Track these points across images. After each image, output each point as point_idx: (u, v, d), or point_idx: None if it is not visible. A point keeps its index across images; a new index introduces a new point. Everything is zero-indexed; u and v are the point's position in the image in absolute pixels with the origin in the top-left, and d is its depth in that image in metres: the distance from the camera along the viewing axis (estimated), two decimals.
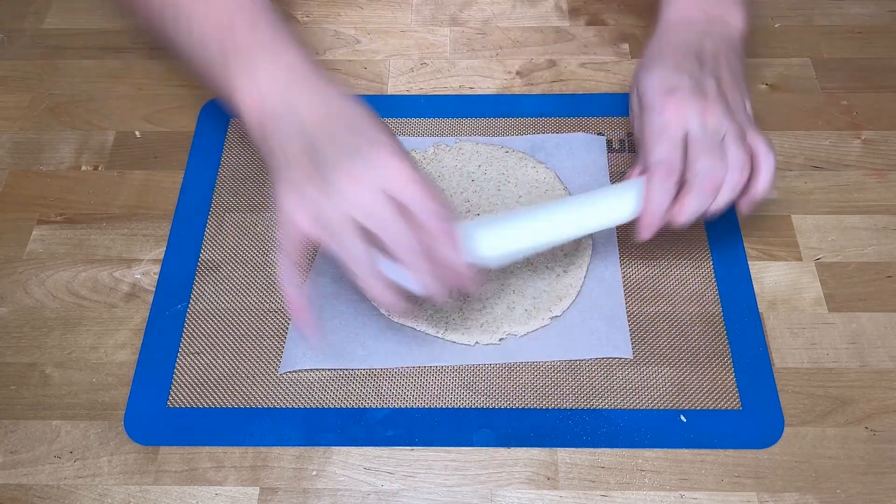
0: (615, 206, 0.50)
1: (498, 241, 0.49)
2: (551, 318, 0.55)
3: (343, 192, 0.43)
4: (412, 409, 0.53)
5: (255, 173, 0.64)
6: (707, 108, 0.48)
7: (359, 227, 0.43)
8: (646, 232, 0.49)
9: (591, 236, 0.59)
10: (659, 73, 0.50)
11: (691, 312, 0.56)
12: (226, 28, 0.49)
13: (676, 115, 0.48)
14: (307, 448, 0.51)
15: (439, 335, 0.55)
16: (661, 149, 0.47)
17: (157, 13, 0.53)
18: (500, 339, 0.55)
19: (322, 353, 0.54)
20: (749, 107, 0.51)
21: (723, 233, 0.59)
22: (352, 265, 0.43)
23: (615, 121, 0.66)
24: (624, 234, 0.59)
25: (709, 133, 0.47)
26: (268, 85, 0.47)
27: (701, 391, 0.53)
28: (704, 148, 0.47)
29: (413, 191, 0.43)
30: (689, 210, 0.47)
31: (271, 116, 0.46)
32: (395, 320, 0.55)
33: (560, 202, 0.52)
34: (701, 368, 0.54)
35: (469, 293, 0.45)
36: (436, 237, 0.43)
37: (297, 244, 0.44)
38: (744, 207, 0.50)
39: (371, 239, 0.43)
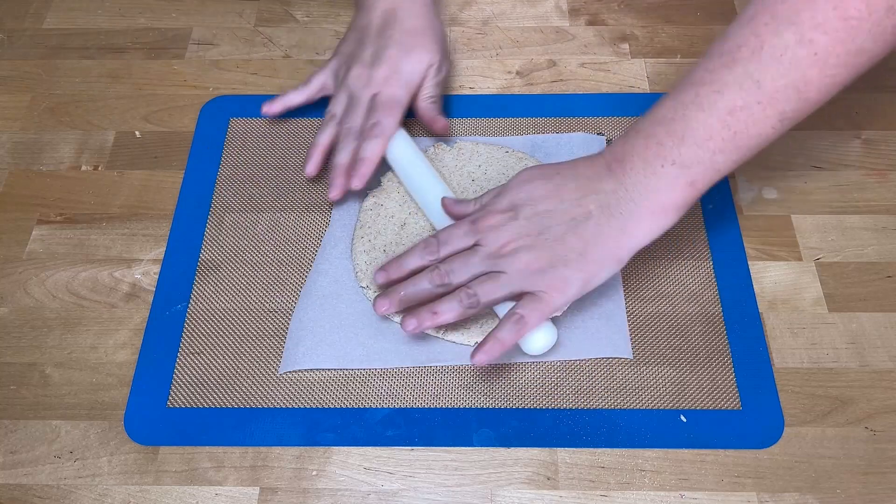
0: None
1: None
2: (551, 319, 0.55)
3: (351, 82, 0.62)
4: (412, 409, 0.53)
5: (255, 173, 0.64)
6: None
7: (345, 98, 0.62)
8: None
9: None
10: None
11: (691, 312, 0.56)
12: None
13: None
14: (307, 448, 0.51)
15: (439, 335, 0.55)
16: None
17: None
18: None
19: (322, 353, 0.54)
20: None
21: (723, 233, 0.59)
22: (326, 116, 0.62)
23: (615, 121, 0.66)
24: None
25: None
26: None
27: (701, 391, 0.53)
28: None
29: (386, 103, 0.60)
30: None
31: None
32: (396, 321, 0.55)
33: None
34: (701, 368, 0.54)
35: (353, 186, 0.59)
36: (369, 132, 0.59)
37: (317, 88, 0.65)
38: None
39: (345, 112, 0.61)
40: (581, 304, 0.56)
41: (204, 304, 0.57)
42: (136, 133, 0.67)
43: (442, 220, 0.57)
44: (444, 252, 0.52)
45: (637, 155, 0.49)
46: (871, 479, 0.50)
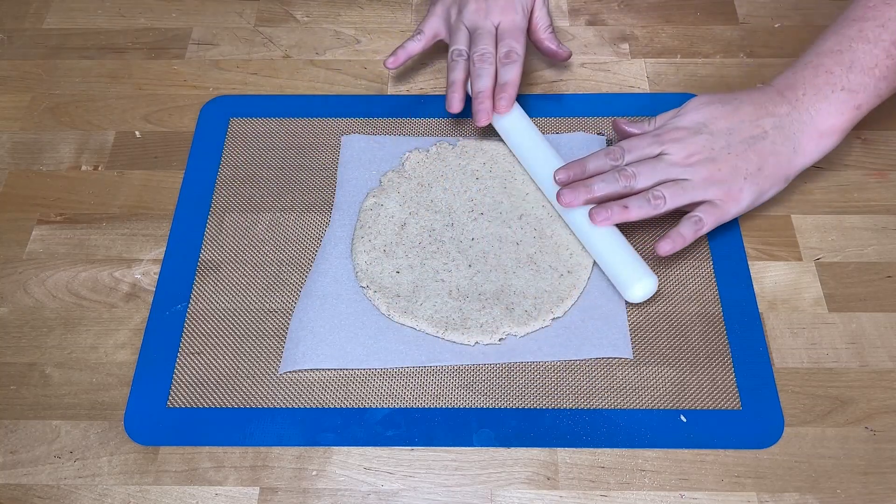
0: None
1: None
2: (552, 320, 0.55)
3: (469, 17, 0.64)
4: (412, 409, 0.53)
5: (255, 173, 0.64)
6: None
7: (466, 34, 0.64)
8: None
9: None
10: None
11: (691, 312, 0.56)
12: None
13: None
14: (307, 448, 0.51)
15: (439, 335, 0.55)
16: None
17: None
18: (500, 340, 0.54)
19: (322, 353, 0.54)
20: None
21: (723, 233, 0.59)
22: (451, 54, 0.64)
23: None
24: (623, 235, 0.59)
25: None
26: None
27: (701, 391, 0.53)
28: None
29: (510, 30, 0.63)
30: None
31: None
32: (396, 320, 0.55)
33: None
34: (701, 368, 0.54)
35: (499, 109, 0.61)
36: (505, 59, 0.62)
37: (431, 34, 0.67)
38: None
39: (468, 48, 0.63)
40: (581, 303, 0.56)
41: (204, 304, 0.57)
42: (136, 133, 0.67)
43: (551, 190, 0.58)
44: (628, 158, 0.57)
45: (808, 83, 0.57)
46: (871, 479, 0.50)
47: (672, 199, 0.55)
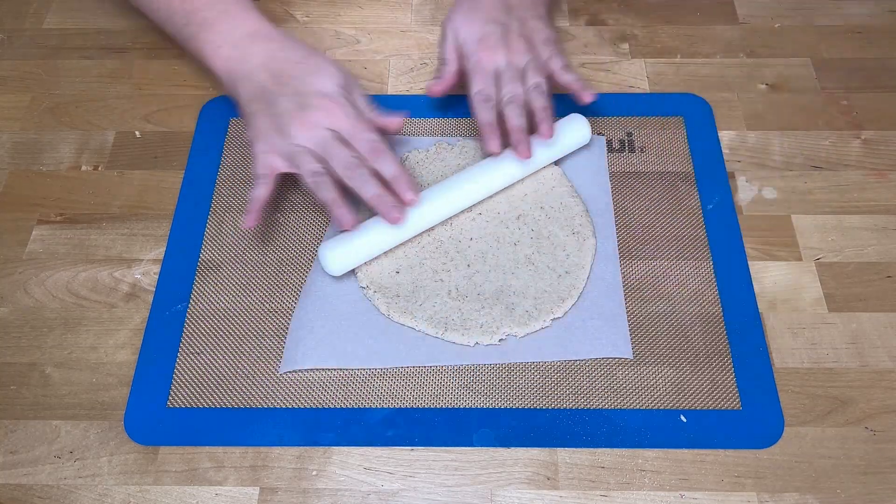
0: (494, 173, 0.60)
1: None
2: (552, 320, 0.55)
3: (298, 136, 0.56)
4: (412, 409, 0.53)
5: None
6: (511, 49, 0.61)
7: (312, 153, 0.56)
8: (492, 143, 0.59)
9: (593, 236, 0.59)
10: (475, 23, 0.62)
11: (691, 312, 0.56)
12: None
13: (489, 58, 0.61)
14: (307, 448, 0.51)
15: (438, 335, 0.55)
16: (478, 83, 0.60)
17: None
18: (500, 340, 0.54)
19: (322, 353, 0.54)
20: (551, 33, 0.63)
21: (723, 233, 0.59)
22: (309, 178, 0.56)
23: (615, 121, 0.66)
24: (623, 235, 0.59)
25: (512, 67, 0.61)
26: (229, 37, 0.60)
27: (701, 391, 0.53)
28: (508, 78, 0.60)
29: (352, 125, 0.56)
30: (513, 119, 0.59)
31: (233, 63, 0.60)
32: (395, 320, 0.55)
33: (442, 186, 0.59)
34: (701, 368, 0.54)
35: (408, 202, 0.56)
36: (373, 156, 0.56)
37: (271, 176, 0.57)
38: (585, 98, 0.62)
39: (323, 163, 0.56)
40: (581, 304, 0.56)
41: (204, 304, 0.57)
42: (136, 133, 0.67)
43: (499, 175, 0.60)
44: (503, 92, 0.60)
45: None
46: (871, 479, 0.50)
47: (540, 82, 0.60)
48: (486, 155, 0.60)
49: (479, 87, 0.60)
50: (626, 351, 0.54)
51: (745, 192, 0.62)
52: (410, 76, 0.70)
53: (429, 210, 0.58)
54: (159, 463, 0.51)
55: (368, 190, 0.55)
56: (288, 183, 0.63)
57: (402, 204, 0.56)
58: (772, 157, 0.64)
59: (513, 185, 0.62)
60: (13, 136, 0.67)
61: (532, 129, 0.60)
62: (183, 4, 0.62)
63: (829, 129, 0.66)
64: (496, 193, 0.61)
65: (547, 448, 0.51)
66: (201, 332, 0.56)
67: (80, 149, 0.66)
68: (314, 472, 0.51)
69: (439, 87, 0.63)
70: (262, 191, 0.56)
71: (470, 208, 0.60)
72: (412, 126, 0.66)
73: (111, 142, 0.66)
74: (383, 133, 0.59)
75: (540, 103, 0.59)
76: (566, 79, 0.62)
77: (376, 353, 0.54)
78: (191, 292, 0.58)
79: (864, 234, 0.60)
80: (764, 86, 0.69)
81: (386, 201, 0.55)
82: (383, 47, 0.72)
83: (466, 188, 0.59)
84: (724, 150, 0.65)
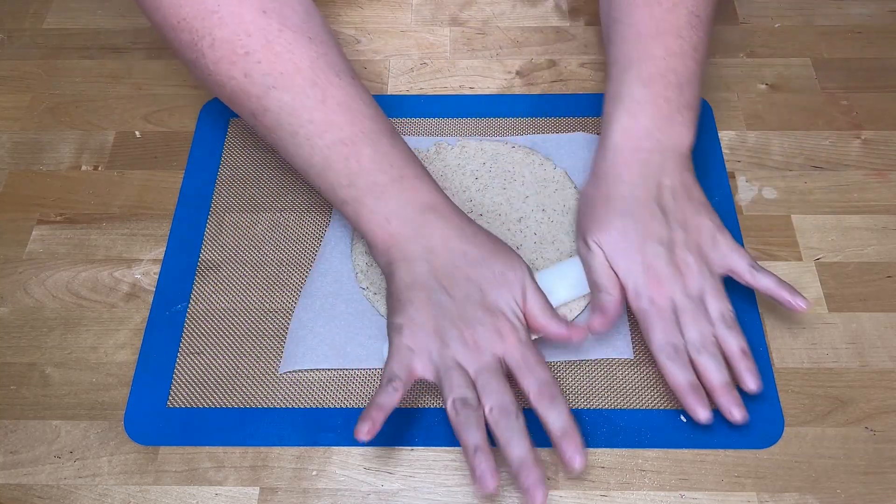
0: None
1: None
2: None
3: (459, 352, 0.47)
4: (412, 409, 0.52)
5: (255, 173, 0.64)
6: (684, 274, 0.50)
7: (466, 376, 0.47)
8: (702, 413, 0.48)
9: None
10: (633, 250, 0.51)
11: None
12: (350, 149, 0.51)
13: (662, 294, 0.50)
14: (307, 448, 0.51)
15: None
16: (658, 332, 0.49)
17: (263, 117, 0.52)
18: None
19: (322, 353, 0.54)
20: (716, 229, 0.52)
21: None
22: (454, 407, 0.46)
23: None
24: None
25: (691, 298, 0.50)
26: (402, 211, 0.50)
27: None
28: (691, 317, 0.50)
29: (522, 356, 0.48)
30: (713, 374, 0.49)
31: (400, 240, 0.50)
32: None
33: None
34: None
35: (576, 467, 0.46)
36: (541, 400, 0.47)
37: (407, 381, 0.47)
38: (799, 306, 0.51)
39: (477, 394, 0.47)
40: (584, 306, 0.56)
41: (204, 304, 0.57)
42: (136, 133, 0.67)
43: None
44: (688, 337, 0.50)
45: (656, 125, 0.53)
46: (871, 479, 0.50)
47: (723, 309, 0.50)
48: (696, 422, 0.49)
49: (662, 338, 0.49)
50: (626, 351, 0.54)
51: (745, 192, 0.62)
52: (410, 76, 0.70)
53: None
54: (159, 463, 0.51)
55: (516, 449, 0.45)
56: (287, 183, 0.63)
57: (567, 467, 0.46)
58: (772, 157, 0.64)
59: (513, 185, 0.62)
60: (13, 136, 0.67)
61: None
62: (347, 162, 0.51)
63: (829, 129, 0.66)
64: (497, 195, 0.61)
65: (547, 448, 0.51)
66: (201, 332, 0.56)
67: (80, 149, 0.66)
68: (314, 472, 0.51)
69: (602, 326, 0.51)
70: (391, 398, 0.46)
71: (471, 210, 0.60)
72: (412, 126, 0.66)
73: (111, 142, 0.67)
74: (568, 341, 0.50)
75: (735, 345, 0.49)
76: (763, 283, 0.51)
77: (376, 353, 0.54)
78: (191, 292, 0.58)
79: (864, 234, 0.60)
80: (764, 86, 0.69)
81: (531, 475, 0.44)
82: (383, 47, 0.72)
83: None
84: (724, 150, 0.65)
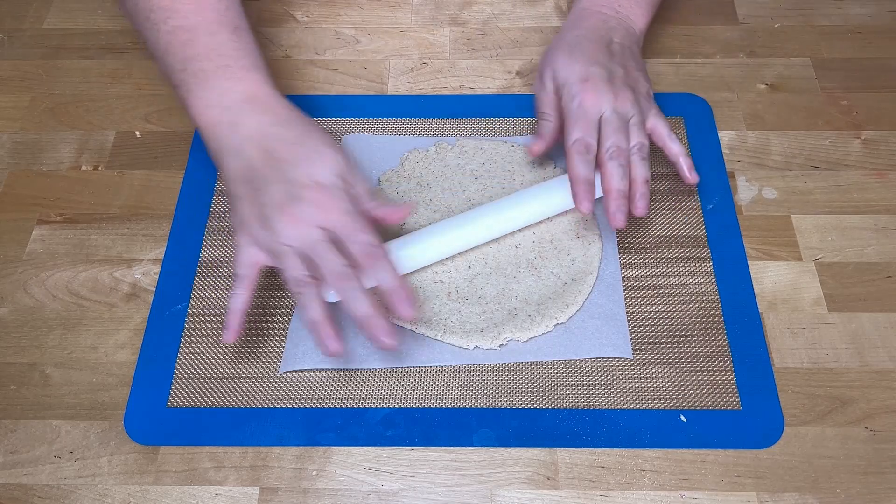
0: (544, 200, 0.57)
1: (420, 255, 0.56)
2: (555, 325, 0.55)
3: (285, 232, 0.49)
4: (412, 409, 0.53)
5: None
6: (618, 95, 0.55)
7: (299, 254, 0.49)
8: (584, 204, 0.53)
9: (599, 239, 0.58)
10: (578, 63, 0.57)
11: (691, 312, 0.56)
12: (189, 36, 0.55)
13: (593, 101, 0.55)
14: (307, 448, 0.51)
15: (437, 338, 0.54)
16: (578, 130, 0.54)
17: (126, 3, 0.58)
18: (501, 346, 0.54)
19: (322, 353, 0.54)
20: (650, 93, 0.59)
21: (723, 233, 0.59)
22: (293, 286, 0.49)
23: None
24: (623, 235, 0.59)
25: (618, 116, 0.55)
26: (221, 99, 0.53)
27: (701, 391, 0.53)
28: (614, 129, 0.54)
29: (347, 223, 0.49)
30: (614, 179, 0.53)
31: (220, 129, 0.53)
32: (395, 322, 0.55)
33: (488, 206, 0.57)
34: (701, 368, 0.54)
35: (406, 318, 0.49)
36: (368, 263, 0.49)
37: (252, 270, 0.51)
38: (691, 179, 0.57)
39: (311, 266, 0.49)
40: (581, 303, 0.56)
41: (204, 304, 0.57)
42: (136, 133, 0.67)
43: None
44: (605, 145, 0.55)
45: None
46: (871, 479, 0.50)
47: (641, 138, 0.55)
48: (579, 212, 0.54)
49: (578, 135, 0.54)
50: (625, 351, 0.54)
51: (745, 192, 0.62)
52: (410, 76, 0.70)
53: (427, 250, 0.56)
54: (159, 463, 0.51)
55: (359, 308, 0.48)
56: None
57: (400, 317, 0.50)
58: (772, 157, 0.64)
59: (512, 184, 0.62)
60: (13, 136, 0.67)
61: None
62: (184, 47, 0.54)
63: (829, 129, 0.66)
64: (497, 194, 0.61)
65: (547, 448, 0.51)
66: (201, 332, 0.56)
67: (80, 149, 0.66)
68: (314, 472, 0.51)
69: (539, 148, 0.58)
70: (241, 300, 0.50)
71: (469, 208, 0.60)
72: (412, 126, 0.66)
73: (111, 142, 0.66)
74: (384, 224, 0.53)
75: (642, 173, 0.54)
76: (673, 148, 0.57)
77: (376, 353, 0.54)
78: (191, 292, 0.58)
79: (864, 234, 0.60)
80: (764, 86, 0.69)
81: (378, 326, 0.48)
82: (383, 47, 0.72)
83: (461, 232, 0.56)
84: (724, 150, 0.65)
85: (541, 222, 0.59)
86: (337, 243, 0.49)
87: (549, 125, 0.58)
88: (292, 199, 0.49)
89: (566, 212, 0.59)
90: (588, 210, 0.53)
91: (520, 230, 0.59)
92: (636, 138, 0.55)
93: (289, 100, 0.55)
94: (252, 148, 0.51)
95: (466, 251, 0.58)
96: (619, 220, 0.53)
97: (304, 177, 0.50)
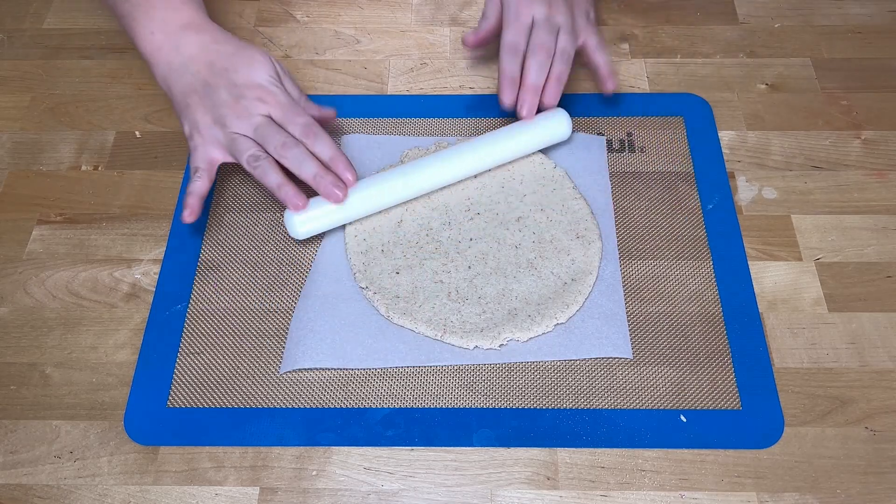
0: (510, 140, 0.61)
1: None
2: (555, 325, 0.55)
3: (234, 125, 0.57)
4: (412, 409, 0.53)
5: None
6: (552, 5, 0.61)
7: (250, 139, 0.57)
8: (506, 94, 0.60)
9: (599, 239, 0.58)
10: None
11: (691, 312, 0.56)
12: None
13: (527, 8, 0.61)
14: (307, 448, 0.51)
15: (438, 338, 0.55)
16: (511, 33, 0.61)
17: None
18: (501, 346, 0.54)
19: (322, 353, 0.54)
20: (592, 14, 0.65)
21: (723, 233, 0.59)
22: (250, 164, 0.56)
23: (615, 121, 0.66)
24: (623, 235, 0.59)
25: (548, 23, 0.61)
26: (163, 25, 0.59)
27: (701, 391, 0.53)
28: (541, 31, 0.60)
29: (285, 111, 0.57)
30: (532, 73, 0.59)
31: (163, 52, 0.59)
32: (395, 322, 0.55)
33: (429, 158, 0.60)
34: (701, 368, 0.54)
35: (347, 181, 0.56)
36: (308, 139, 0.56)
37: (210, 164, 0.58)
38: (608, 85, 0.63)
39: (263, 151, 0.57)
40: (581, 303, 0.56)
41: (204, 304, 0.57)
42: (136, 133, 0.67)
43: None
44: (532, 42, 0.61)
45: None
46: (871, 479, 0.50)
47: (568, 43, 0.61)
48: (502, 105, 0.61)
49: (510, 38, 0.61)
50: (625, 351, 0.54)
51: (745, 192, 0.62)
52: (410, 76, 0.70)
53: (396, 184, 0.59)
54: (159, 463, 0.51)
55: (307, 169, 0.56)
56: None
57: (344, 181, 0.56)
58: (772, 157, 0.64)
59: (511, 184, 0.62)
60: (13, 136, 0.67)
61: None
62: None
63: (829, 129, 0.66)
64: (496, 193, 0.61)
65: (547, 448, 0.51)
66: (201, 332, 0.56)
67: (80, 149, 0.66)
68: (314, 472, 0.51)
69: (473, 38, 0.65)
70: (200, 184, 0.57)
71: (469, 208, 0.60)
72: (412, 126, 0.66)
73: (111, 142, 0.67)
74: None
75: (558, 69, 0.60)
76: (598, 59, 0.63)
77: (376, 353, 0.54)
78: (191, 292, 0.58)
79: (864, 234, 0.60)
80: (764, 86, 0.69)
81: (326, 180, 0.56)
82: (383, 47, 0.72)
83: (433, 168, 0.59)
84: (724, 150, 0.65)
85: (541, 223, 0.59)
86: (280, 126, 0.57)
87: (486, 23, 0.64)
88: (237, 98, 0.57)
89: (563, 211, 0.59)
90: (510, 103, 0.60)
91: (519, 231, 0.59)
92: (562, 43, 0.61)
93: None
94: (196, 64, 0.58)
95: (463, 251, 0.58)
96: (528, 111, 0.60)
97: (244, 79, 0.58)
